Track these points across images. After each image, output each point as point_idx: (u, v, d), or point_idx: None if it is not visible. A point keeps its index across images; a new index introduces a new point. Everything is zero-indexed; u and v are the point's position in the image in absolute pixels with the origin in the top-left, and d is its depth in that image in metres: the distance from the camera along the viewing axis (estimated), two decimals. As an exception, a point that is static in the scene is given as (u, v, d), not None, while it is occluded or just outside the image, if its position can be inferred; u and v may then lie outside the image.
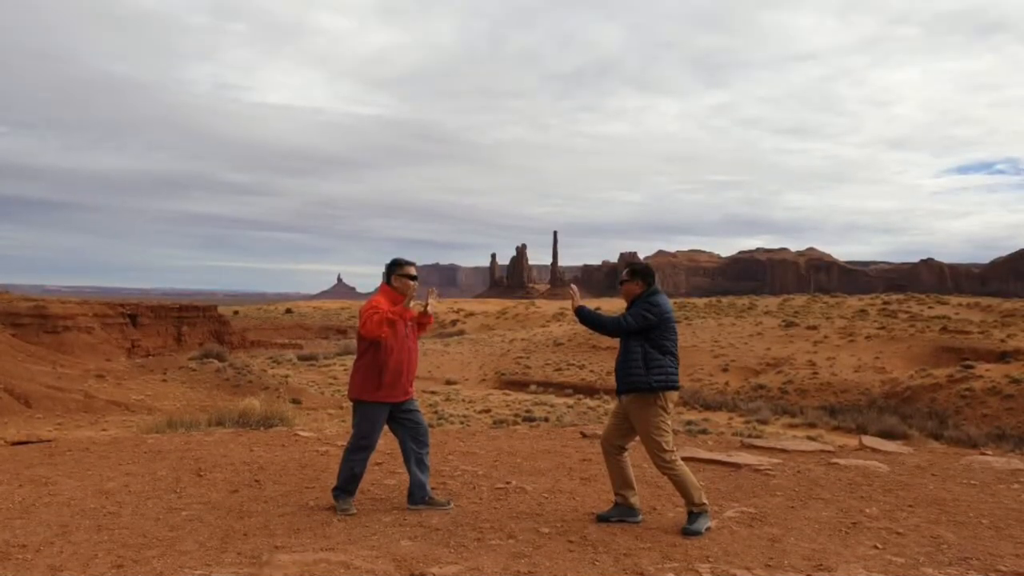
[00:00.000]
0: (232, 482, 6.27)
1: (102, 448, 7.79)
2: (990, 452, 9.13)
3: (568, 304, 5.53)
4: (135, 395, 30.63)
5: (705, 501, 5.04)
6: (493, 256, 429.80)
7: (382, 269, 5.61)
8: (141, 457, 7.30)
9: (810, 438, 19.13)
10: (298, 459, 7.31)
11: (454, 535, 4.81)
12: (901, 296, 75.26)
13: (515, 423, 28.21)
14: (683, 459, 5.43)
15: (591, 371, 47.22)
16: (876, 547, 4.76)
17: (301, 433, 9.07)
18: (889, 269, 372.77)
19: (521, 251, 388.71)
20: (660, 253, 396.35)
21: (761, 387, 40.75)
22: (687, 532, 4.90)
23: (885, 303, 65.95)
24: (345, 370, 47.68)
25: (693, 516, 4.99)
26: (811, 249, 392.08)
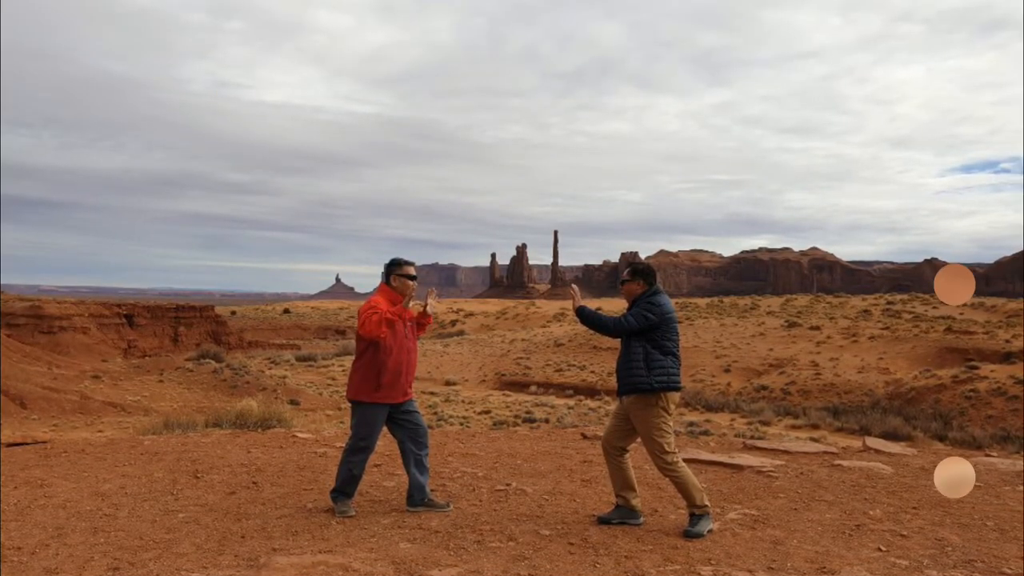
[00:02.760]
0: (229, 484, 6.23)
1: (98, 450, 7.74)
2: (995, 454, 9.08)
3: (569, 304, 5.49)
4: (131, 396, 30.65)
5: (707, 503, 4.99)
6: (493, 256, 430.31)
7: (381, 269, 5.57)
8: (137, 459, 7.25)
9: (813, 439, 19.08)
10: (296, 461, 7.27)
11: (454, 537, 4.77)
12: (905, 296, 75.11)
13: (515, 424, 28.17)
14: (685, 460, 5.38)
15: (592, 372, 47.15)
16: (880, 549, 4.71)
17: (299, 434, 9.03)
18: (892, 269, 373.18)
19: (521, 251, 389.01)
20: (662, 253, 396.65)
21: (763, 388, 40.67)
22: (689, 534, 4.85)
23: (889, 303, 65.84)
24: (343, 371, 47.66)
25: (695, 518, 4.94)
26: (814, 249, 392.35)
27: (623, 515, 5.16)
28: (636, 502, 5.19)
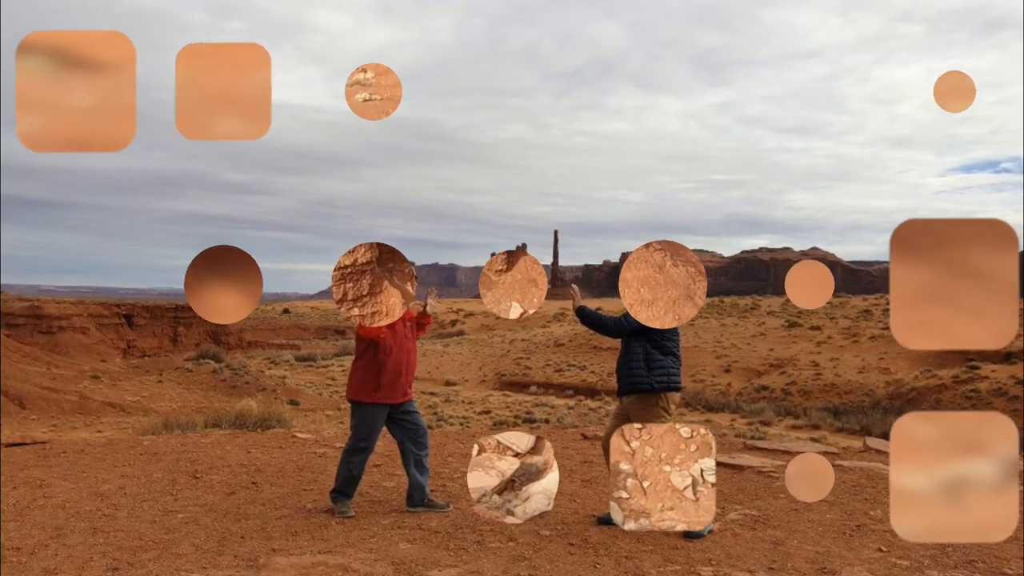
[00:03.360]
0: (229, 484, 6.22)
1: (97, 450, 7.73)
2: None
3: (569, 304, 5.48)
4: (131, 396, 30.66)
5: (707, 503, 4.98)
6: (493, 256, 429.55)
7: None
8: (137, 459, 7.24)
9: (813, 440, 19.09)
10: (296, 461, 7.25)
11: (453, 538, 4.76)
12: (904, 296, 74.88)
13: (515, 425, 28.18)
14: (685, 461, 5.37)
15: (592, 372, 47.15)
16: (881, 550, 4.70)
17: (299, 435, 9.02)
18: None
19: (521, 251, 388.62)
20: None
21: (764, 388, 40.67)
22: (689, 535, 4.84)
23: (889, 303, 65.80)
24: (343, 371, 47.65)
25: (695, 519, 4.93)
26: (814, 249, 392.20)
27: (623, 515, 5.15)
28: (636, 502, 5.18)
